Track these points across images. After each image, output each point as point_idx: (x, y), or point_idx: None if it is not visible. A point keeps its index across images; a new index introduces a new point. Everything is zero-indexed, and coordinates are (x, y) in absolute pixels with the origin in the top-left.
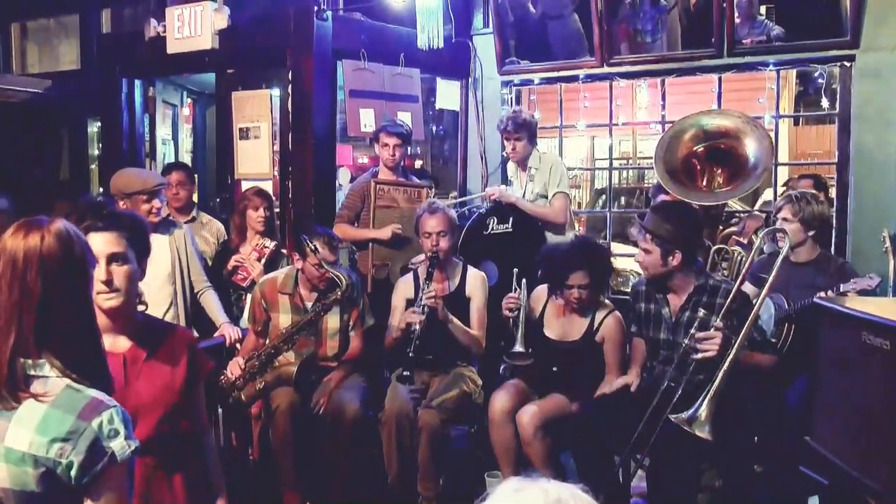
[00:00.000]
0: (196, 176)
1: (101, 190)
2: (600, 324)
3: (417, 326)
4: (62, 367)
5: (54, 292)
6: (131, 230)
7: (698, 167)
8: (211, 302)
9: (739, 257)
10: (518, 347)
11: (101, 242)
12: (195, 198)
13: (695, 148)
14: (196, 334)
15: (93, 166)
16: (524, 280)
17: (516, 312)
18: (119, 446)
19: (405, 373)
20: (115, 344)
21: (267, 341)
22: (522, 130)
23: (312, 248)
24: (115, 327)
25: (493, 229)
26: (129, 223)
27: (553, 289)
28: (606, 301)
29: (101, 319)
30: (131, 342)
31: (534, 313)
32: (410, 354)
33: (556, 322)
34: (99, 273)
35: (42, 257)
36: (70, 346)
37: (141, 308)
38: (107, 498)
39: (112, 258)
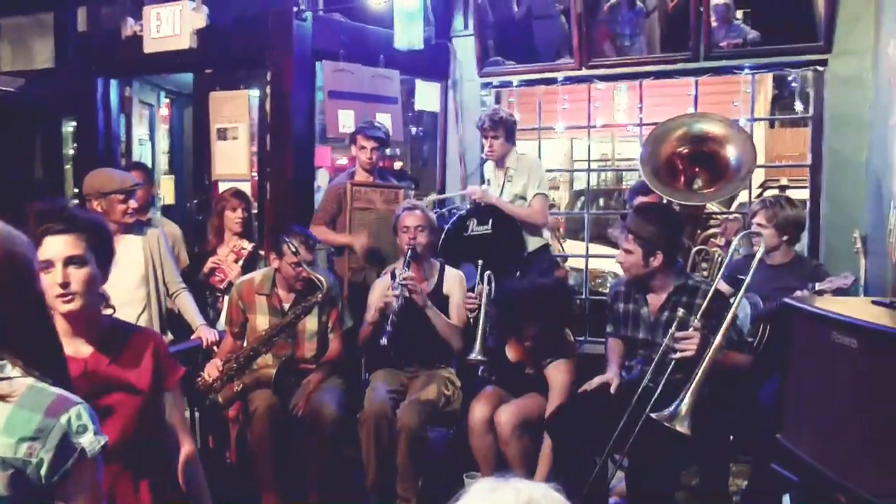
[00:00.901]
0: (154, 176)
1: (76, 191)
2: (547, 364)
3: (395, 305)
4: (24, 366)
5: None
6: (91, 232)
7: (681, 167)
8: (187, 304)
9: (719, 258)
10: (474, 354)
11: (59, 245)
12: (171, 200)
13: (679, 149)
14: (171, 337)
15: (67, 166)
16: (488, 274)
17: (475, 312)
18: (88, 442)
19: (384, 342)
20: (77, 349)
21: (244, 343)
22: (499, 128)
23: (293, 249)
24: (76, 332)
25: (472, 231)
26: (89, 225)
27: (507, 333)
28: (570, 338)
29: (62, 324)
30: (94, 347)
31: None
32: (389, 328)
33: (515, 347)
34: (56, 276)
35: None
36: (27, 344)
37: (108, 311)
38: (78, 494)
39: (69, 261)
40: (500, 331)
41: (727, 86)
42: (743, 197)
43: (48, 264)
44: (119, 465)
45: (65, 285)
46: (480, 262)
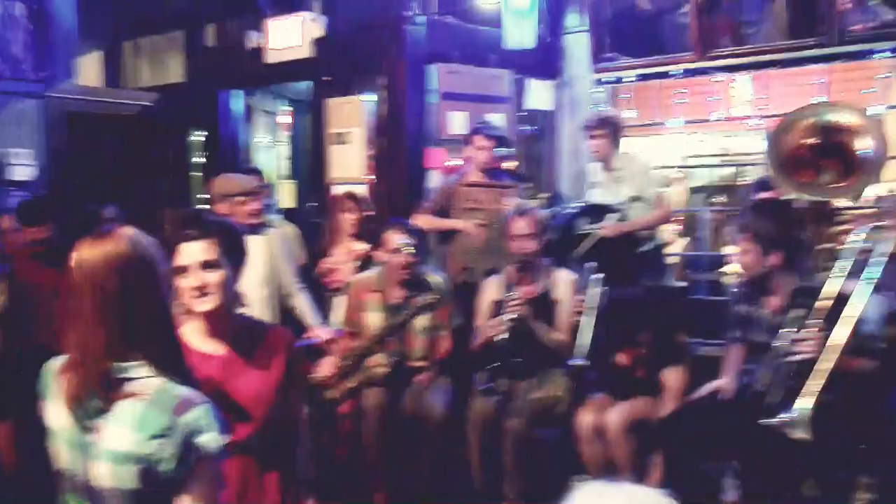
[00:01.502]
0: (269, 181)
1: (202, 196)
2: (660, 369)
3: (500, 338)
4: (155, 367)
5: (133, 294)
6: (224, 237)
7: (809, 161)
8: (304, 303)
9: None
10: (577, 360)
11: (195, 251)
12: (291, 203)
13: (806, 141)
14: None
15: (194, 174)
16: (596, 276)
17: (582, 315)
18: (211, 440)
19: (489, 385)
20: (213, 346)
21: (358, 342)
22: (605, 127)
23: (394, 237)
24: (211, 330)
25: (583, 229)
26: (221, 230)
27: (615, 344)
28: (684, 342)
29: (199, 324)
30: (229, 344)
31: None
32: (494, 366)
33: (627, 354)
34: (191, 280)
35: (118, 262)
36: (156, 345)
37: (241, 310)
38: (199, 491)
39: (205, 265)
40: (611, 340)
41: (858, 72)
42: (879, 190)
43: (184, 270)
44: (250, 460)
45: (201, 288)
46: (586, 266)
